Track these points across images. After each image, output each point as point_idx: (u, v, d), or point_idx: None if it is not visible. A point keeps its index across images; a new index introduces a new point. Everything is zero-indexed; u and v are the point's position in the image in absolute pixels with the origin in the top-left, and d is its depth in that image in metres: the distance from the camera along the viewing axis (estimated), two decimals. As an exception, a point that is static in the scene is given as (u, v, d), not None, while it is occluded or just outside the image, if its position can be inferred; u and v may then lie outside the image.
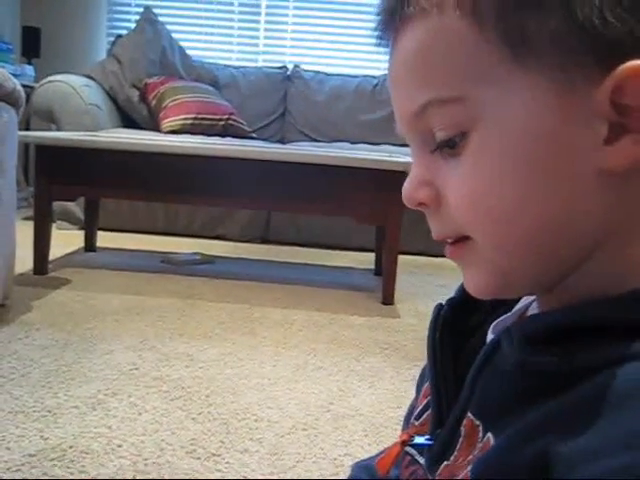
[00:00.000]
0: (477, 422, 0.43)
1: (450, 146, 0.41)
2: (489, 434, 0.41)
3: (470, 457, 0.42)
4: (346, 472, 1.19)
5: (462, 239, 0.44)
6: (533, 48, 0.37)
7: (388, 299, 2.37)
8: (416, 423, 0.54)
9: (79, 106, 3.37)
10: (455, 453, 0.45)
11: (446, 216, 0.43)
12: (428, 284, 2.79)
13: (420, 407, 0.55)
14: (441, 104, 0.40)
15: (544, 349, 0.39)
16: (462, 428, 0.45)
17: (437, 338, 0.51)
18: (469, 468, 0.41)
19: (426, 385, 0.55)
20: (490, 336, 0.48)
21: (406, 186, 0.45)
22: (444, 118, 0.41)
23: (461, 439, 0.44)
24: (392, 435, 1.35)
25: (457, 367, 0.50)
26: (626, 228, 0.39)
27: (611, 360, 0.35)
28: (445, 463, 0.45)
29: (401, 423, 1.46)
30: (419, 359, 1.82)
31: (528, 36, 0.37)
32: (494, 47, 0.38)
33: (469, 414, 0.44)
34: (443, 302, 0.53)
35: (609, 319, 0.37)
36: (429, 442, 0.48)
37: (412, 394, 1.73)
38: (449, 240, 0.45)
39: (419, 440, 0.49)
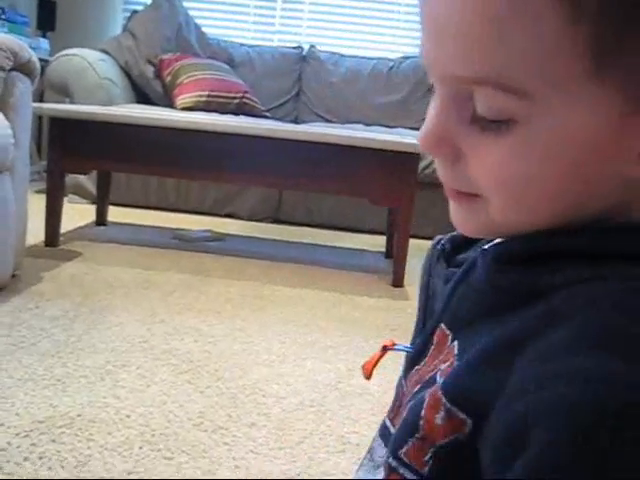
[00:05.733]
0: (447, 332, 0.46)
1: (489, 122, 0.39)
2: (455, 342, 0.44)
3: (436, 362, 0.45)
4: (352, 450, 1.19)
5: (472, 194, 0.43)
6: (620, 63, 0.36)
7: (398, 281, 2.36)
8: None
9: (93, 80, 3.36)
10: (426, 359, 0.48)
11: (461, 174, 0.42)
12: (438, 268, 2.78)
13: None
14: (502, 89, 0.37)
15: (510, 269, 0.42)
16: (435, 337, 0.48)
17: (429, 265, 0.54)
18: (436, 372, 0.43)
19: None
20: None
21: (425, 137, 0.42)
22: (497, 103, 0.38)
23: (432, 347, 0.48)
24: (400, 415, 1.35)
25: None
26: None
27: (569, 281, 0.38)
28: (416, 367, 0.49)
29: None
30: (428, 341, 1.82)
31: (621, 48, 0.35)
32: (581, 53, 0.35)
33: (442, 325, 0.47)
34: (442, 237, 0.54)
35: (572, 245, 0.40)
36: (409, 349, 0.52)
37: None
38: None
39: (400, 346, 0.54)
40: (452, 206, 0.46)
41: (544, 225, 0.41)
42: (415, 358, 0.50)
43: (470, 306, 0.45)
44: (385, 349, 0.55)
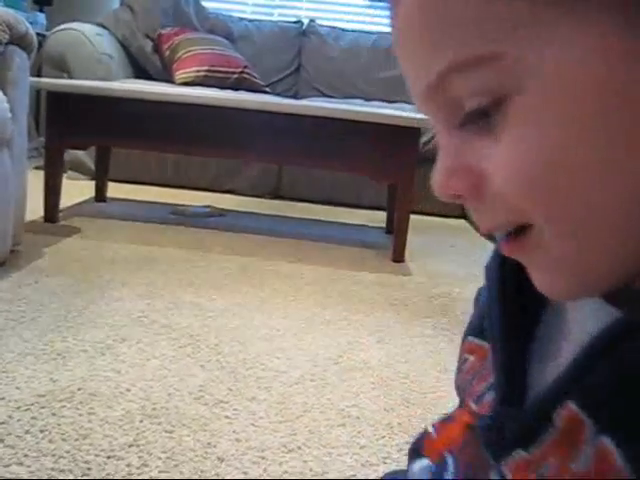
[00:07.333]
0: (585, 419, 0.34)
1: (484, 117, 0.33)
2: (605, 439, 0.32)
3: (574, 465, 0.33)
4: (353, 423, 1.19)
5: (520, 230, 0.35)
6: None
7: (399, 256, 2.36)
8: (474, 407, 0.46)
9: (91, 55, 3.33)
10: (540, 447, 0.36)
11: (494, 204, 0.34)
12: (439, 244, 2.78)
13: (481, 389, 0.46)
14: (466, 67, 0.32)
15: None
16: (556, 418, 0.35)
17: (503, 290, 0.43)
18: None
19: (489, 359, 0.46)
20: (573, 311, 0.40)
21: (436, 176, 0.36)
22: (473, 84, 0.32)
23: (553, 432, 0.35)
24: (400, 389, 1.35)
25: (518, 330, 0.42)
26: None
27: None
28: (521, 454, 0.37)
29: (409, 377, 1.46)
30: (428, 316, 1.82)
31: None
32: None
33: (571, 404, 0.35)
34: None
35: None
36: (492, 420, 0.41)
37: (421, 350, 1.72)
38: (504, 232, 0.36)
39: (485, 422, 0.42)
40: (527, 268, 0.37)
41: (627, 257, 0.33)
42: (515, 440, 0.38)
43: (630, 396, 0.32)
44: (468, 427, 0.44)
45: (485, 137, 0.33)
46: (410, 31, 0.35)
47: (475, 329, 0.50)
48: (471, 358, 0.49)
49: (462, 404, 0.50)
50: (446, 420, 0.50)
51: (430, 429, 0.52)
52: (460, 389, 0.51)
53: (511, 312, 0.43)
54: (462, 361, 0.51)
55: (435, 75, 0.34)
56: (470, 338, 0.50)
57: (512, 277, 0.43)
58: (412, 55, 0.35)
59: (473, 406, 0.46)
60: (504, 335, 0.43)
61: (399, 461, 1.09)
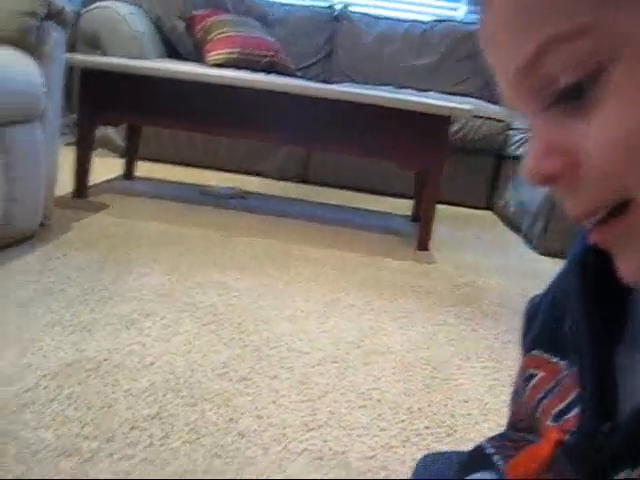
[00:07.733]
0: None
1: (574, 95, 0.32)
2: None
3: None
4: (374, 406, 1.20)
5: (616, 211, 0.33)
6: None
7: (423, 245, 2.35)
8: (551, 424, 0.44)
9: (125, 33, 3.35)
10: None
11: (592, 182, 0.33)
12: (465, 235, 2.77)
13: (560, 407, 0.44)
14: (561, 42, 0.31)
15: None
16: None
17: (586, 302, 0.42)
18: None
19: (564, 376, 0.45)
20: None
21: (528, 160, 0.35)
22: (568, 58, 0.31)
23: None
24: (421, 374, 1.36)
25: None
26: None
27: None
28: (629, 473, 0.35)
29: (431, 363, 1.46)
30: (452, 304, 1.82)
31: None
32: None
33: None
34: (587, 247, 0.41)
35: None
36: (589, 439, 0.39)
37: (443, 338, 1.71)
38: (597, 215, 0.34)
39: (577, 438, 0.40)
40: (615, 256, 0.35)
41: None
42: (622, 455, 0.36)
43: None
44: (558, 445, 0.41)
45: (574, 116, 0.33)
46: (507, 12, 0.34)
47: (542, 342, 0.48)
48: (540, 374, 0.47)
49: (527, 423, 0.49)
50: (514, 443, 0.48)
51: (488, 449, 0.49)
52: (526, 406, 0.49)
53: (596, 324, 0.41)
54: (527, 377, 0.48)
55: (530, 51, 0.33)
56: (536, 352, 0.48)
57: (593, 288, 0.42)
58: (508, 36, 0.34)
59: (552, 425, 0.43)
60: (593, 350, 0.41)
61: (419, 445, 1.10)
